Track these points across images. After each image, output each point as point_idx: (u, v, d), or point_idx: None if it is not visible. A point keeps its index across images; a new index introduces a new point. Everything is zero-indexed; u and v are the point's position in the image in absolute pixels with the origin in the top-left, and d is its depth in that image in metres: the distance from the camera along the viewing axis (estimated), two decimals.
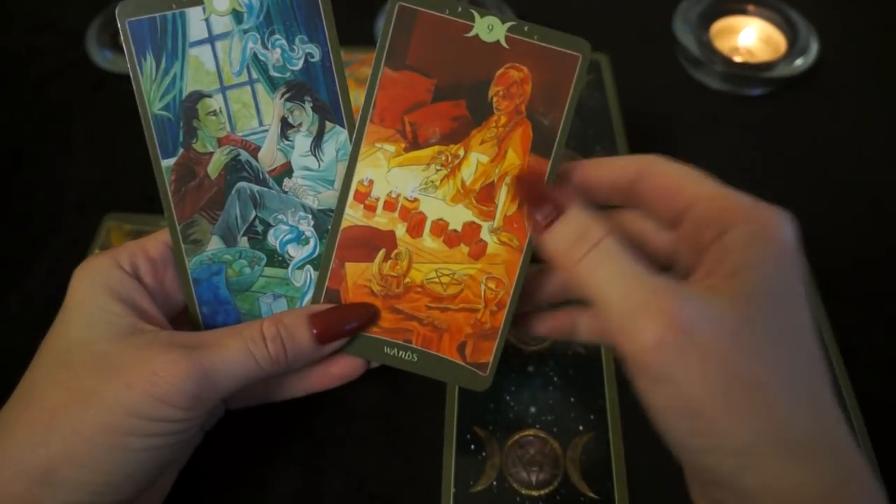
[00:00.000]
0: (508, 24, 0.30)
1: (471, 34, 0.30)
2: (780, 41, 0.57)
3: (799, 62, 0.55)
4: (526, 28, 0.30)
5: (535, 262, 0.32)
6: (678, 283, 0.25)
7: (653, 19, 0.60)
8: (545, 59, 0.30)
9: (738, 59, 0.56)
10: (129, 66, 0.31)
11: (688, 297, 0.24)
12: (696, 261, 0.27)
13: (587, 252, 0.26)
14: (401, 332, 0.33)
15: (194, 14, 0.31)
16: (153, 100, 0.31)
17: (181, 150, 0.32)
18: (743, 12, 0.59)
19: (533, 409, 0.40)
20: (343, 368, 0.33)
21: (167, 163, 0.32)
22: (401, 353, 0.33)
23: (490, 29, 0.30)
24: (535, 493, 0.37)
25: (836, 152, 0.53)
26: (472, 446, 0.38)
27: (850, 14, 0.63)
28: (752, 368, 0.23)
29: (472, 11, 0.30)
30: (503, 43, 0.30)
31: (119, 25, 0.31)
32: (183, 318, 0.33)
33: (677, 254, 0.30)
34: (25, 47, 0.59)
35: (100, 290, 0.30)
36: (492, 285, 0.32)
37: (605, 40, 0.59)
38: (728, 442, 0.24)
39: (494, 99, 0.31)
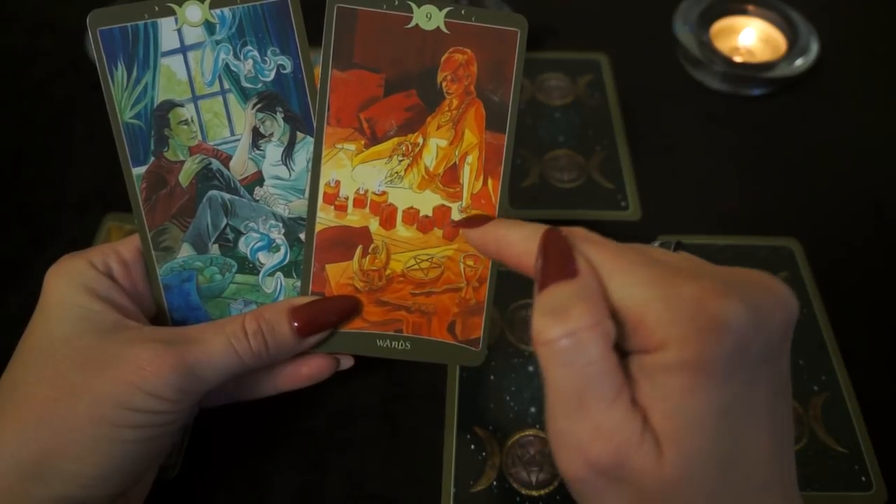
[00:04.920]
0: (446, 10, 0.31)
1: (411, 25, 0.31)
2: (780, 41, 0.57)
3: (799, 62, 0.55)
4: (463, 11, 0.31)
5: None
6: (620, 427, 0.22)
7: (653, 19, 0.60)
8: (486, 39, 0.31)
9: (738, 59, 0.56)
10: (99, 74, 0.31)
11: (621, 446, 0.22)
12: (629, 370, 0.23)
13: (560, 337, 0.22)
14: (390, 324, 0.33)
15: (166, 24, 0.31)
16: (124, 108, 0.32)
17: (152, 159, 0.32)
18: (743, 12, 0.59)
19: (533, 409, 0.40)
20: (312, 369, 0.34)
21: (138, 171, 0.32)
22: (393, 343, 0.33)
23: (429, 17, 0.31)
24: (535, 493, 0.37)
25: (836, 152, 0.53)
26: (472, 446, 0.38)
27: (850, 14, 0.63)
28: None
29: (409, 3, 0.31)
30: (443, 28, 0.31)
31: (90, 34, 0.31)
32: (157, 321, 0.34)
33: None
34: (25, 47, 0.59)
35: (77, 289, 0.30)
36: (470, 262, 0.33)
37: (605, 40, 0.59)
38: None
39: (443, 84, 0.32)
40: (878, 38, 0.61)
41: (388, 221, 0.33)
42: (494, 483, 0.37)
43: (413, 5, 0.31)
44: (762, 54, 0.58)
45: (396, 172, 0.32)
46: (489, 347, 0.33)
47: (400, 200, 0.32)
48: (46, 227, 0.48)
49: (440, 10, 0.31)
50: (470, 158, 0.32)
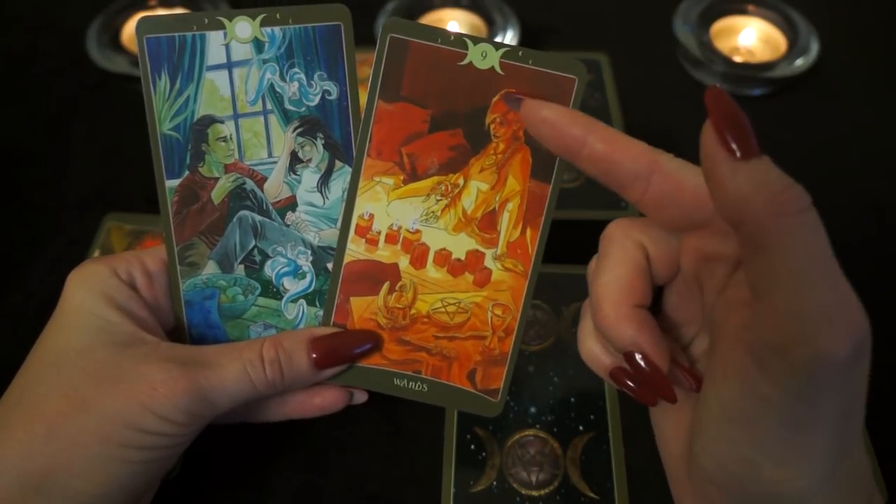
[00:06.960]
0: (502, 51, 0.30)
1: (464, 62, 0.30)
2: (780, 41, 0.57)
3: (799, 62, 0.55)
4: (520, 53, 0.29)
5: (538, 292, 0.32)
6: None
7: (653, 19, 0.60)
8: (541, 84, 0.30)
9: (738, 59, 0.56)
10: (142, 83, 0.31)
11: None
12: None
13: (795, 214, 0.21)
14: (410, 364, 0.33)
15: (214, 38, 0.31)
16: (164, 119, 0.31)
17: (186, 173, 0.32)
18: (743, 12, 0.59)
19: (533, 409, 0.40)
20: (324, 400, 0.33)
21: (171, 183, 0.32)
22: (410, 383, 0.33)
23: (484, 56, 0.30)
24: (535, 493, 0.37)
25: (836, 152, 0.53)
26: (472, 446, 0.38)
27: (850, 14, 0.63)
28: None
29: (465, 39, 0.30)
30: (498, 69, 0.30)
31: (136, 42, 0.30)
32: (175, 335, 0.33)
33: (689, 267, 0.27)
34: (25, 47, 0.59)
35: (97, 297, 0.30)
36: (498, 312, 0.32)
37: (605, 40, 0.59)
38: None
39: (492, 126, 0.30)
40: (878, 38, 0.61)
41: (418, 260, 0.32)
42: (494, 483, 0.37)
43: (469, 42, 0.30)
44: (762, 54, 0.58)
45: (433, 212, 0.31)
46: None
47: (433, 241, 0.32)
48: (46, 227, 0.48)
49: (496, 49, 0.30)
50: (510, 205, 0.31)
